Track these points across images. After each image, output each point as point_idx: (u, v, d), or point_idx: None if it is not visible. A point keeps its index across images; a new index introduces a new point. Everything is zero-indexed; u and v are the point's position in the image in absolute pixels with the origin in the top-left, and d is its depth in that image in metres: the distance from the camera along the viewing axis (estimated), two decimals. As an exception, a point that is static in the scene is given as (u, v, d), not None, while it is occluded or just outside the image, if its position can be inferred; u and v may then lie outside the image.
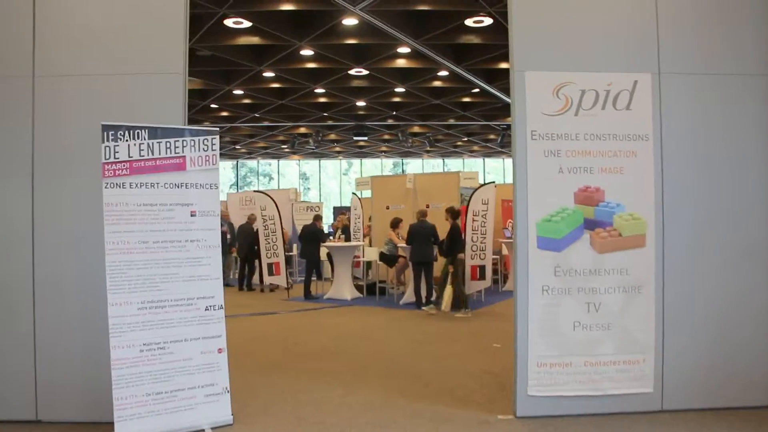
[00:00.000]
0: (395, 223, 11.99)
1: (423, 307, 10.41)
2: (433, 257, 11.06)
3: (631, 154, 4.79)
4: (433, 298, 11.14)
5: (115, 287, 4.27)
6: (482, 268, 11.05)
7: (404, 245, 11.32)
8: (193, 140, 4.58)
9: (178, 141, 4.53)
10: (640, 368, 4.76)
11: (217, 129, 4.75)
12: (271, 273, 12.63)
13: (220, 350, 4.62)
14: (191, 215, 4.55)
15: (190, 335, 4.51)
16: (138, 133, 4.40)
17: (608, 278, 4.74)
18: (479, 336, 8.30)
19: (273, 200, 12.71)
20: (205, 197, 4.61)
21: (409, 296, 11.50)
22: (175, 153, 4.52)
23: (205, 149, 4.62)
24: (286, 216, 16.75)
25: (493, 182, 11.19)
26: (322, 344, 7.81)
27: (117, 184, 4.32)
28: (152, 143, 4.44)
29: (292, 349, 7.58)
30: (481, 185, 11.14)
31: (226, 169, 38.04)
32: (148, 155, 4.43)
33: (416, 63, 14.90)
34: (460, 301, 10.14)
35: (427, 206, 12.16)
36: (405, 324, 9.42)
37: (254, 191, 12.94)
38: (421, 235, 10.81)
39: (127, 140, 4.35)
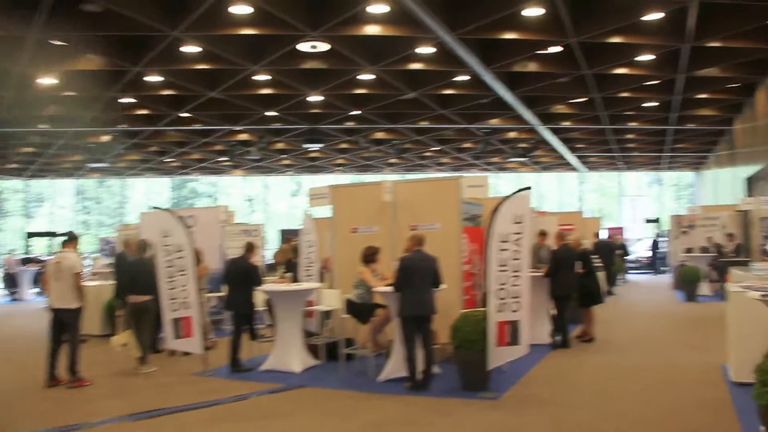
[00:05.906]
0: (370, 256, 7.81)
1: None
2: (434, 309, 6.95)
3: None
4: (433, 370, 7.00)
5: None
6: (513, 325, 6.82)
7: (385, 289, 7.17)
8: None
9: None
10: None
11: None
12: (178, 334, 8.04)
13: None
14: None
15: None
16: None
17: None
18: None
19: (180, 220, 8.16)
20: None
21: (395, 367, 7.28)
22: None
23: None
24: (214, 243, 12.37)
25: (528, 187, 7.03)
26: None
27: None
28: None
29: None
30: (512, 194, 6.99)
31: (163, 187, 33.76)
32: None
33: (394, 29, 10.79)
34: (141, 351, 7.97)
35: (413, 227, 8.06)
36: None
37: (154, 208, 8.43)
38: (419, 273, 6.75)
39: None
